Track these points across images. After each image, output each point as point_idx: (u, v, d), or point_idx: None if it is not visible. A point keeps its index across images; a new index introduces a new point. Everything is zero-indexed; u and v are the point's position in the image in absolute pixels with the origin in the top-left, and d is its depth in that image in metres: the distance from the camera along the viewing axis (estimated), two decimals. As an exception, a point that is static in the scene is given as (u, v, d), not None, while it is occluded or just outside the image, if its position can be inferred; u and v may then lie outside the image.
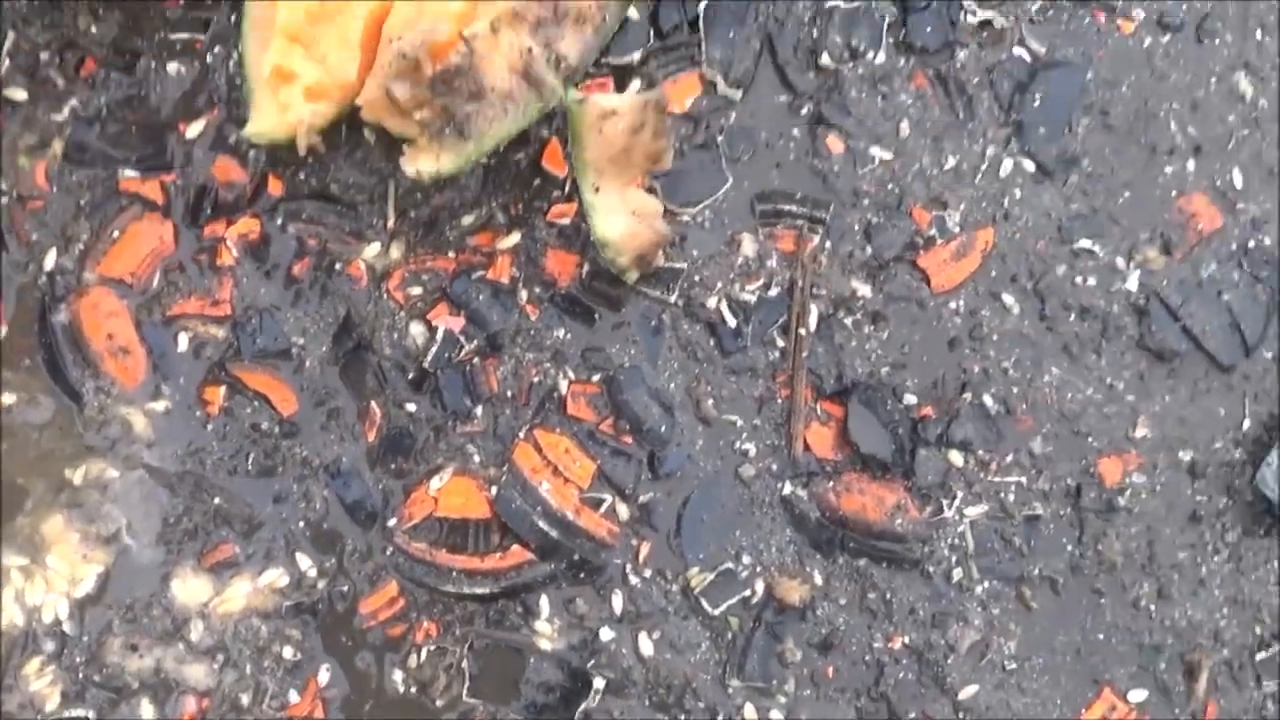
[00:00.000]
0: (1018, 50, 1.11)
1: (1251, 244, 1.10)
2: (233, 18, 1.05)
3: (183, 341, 1.01)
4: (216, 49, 1.05)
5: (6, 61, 1.03)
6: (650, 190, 1.03)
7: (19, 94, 1.02)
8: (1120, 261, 1.09)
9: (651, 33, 1.08)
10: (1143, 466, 1.06)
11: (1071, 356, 1.07)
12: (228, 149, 1.04)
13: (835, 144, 1.08)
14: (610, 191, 0.98)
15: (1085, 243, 1.08)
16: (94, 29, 1.04)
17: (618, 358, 1.03)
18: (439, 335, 1.02)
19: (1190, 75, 1.12)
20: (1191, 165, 1.11)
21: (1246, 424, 1.08)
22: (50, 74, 1.03)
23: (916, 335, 1.06)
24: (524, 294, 1.04)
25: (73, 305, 1.01)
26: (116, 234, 1.02)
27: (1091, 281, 1.08)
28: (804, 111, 1.08)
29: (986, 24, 1.11)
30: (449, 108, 0.94)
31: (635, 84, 1.07)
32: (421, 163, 0.95)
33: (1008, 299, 1.07)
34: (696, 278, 1.05)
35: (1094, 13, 1.12)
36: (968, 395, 1.05)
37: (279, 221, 1.03)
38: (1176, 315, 1.08)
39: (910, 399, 1.05)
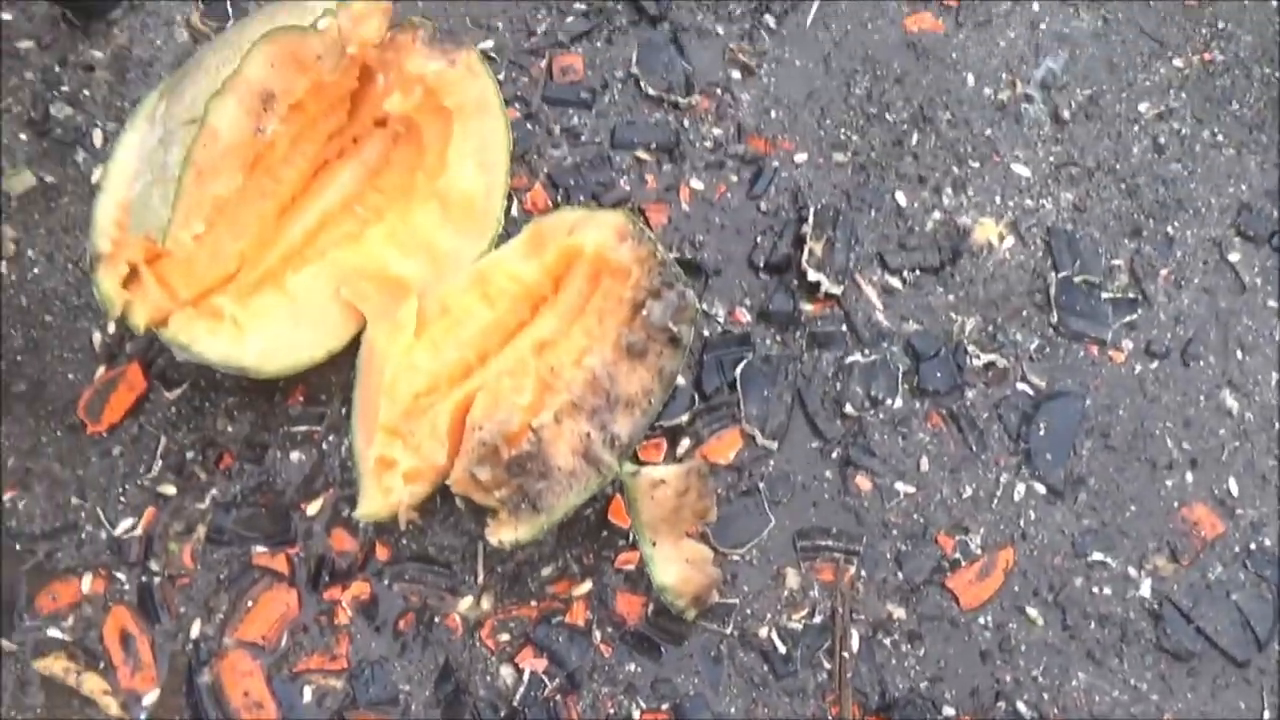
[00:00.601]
0: (1020, 386, 1.26)
1: (1253, 546, 1.21)
2: (344, 410, 1.24)
3: (307, 694, 1.17)
4: (331, 438, 1.24)
5: (159, 463, 1.23)
6: (702, 537, 1.18)
7: (170, 489, 1.22)
8: (1132, 570, 1.20)
9: (696, 396, 1.25)
10: (1172, 762, 1.15)
11: (1096, 661, 1.18)
12: (342, 522, 1.21)
13: (864, 482, 1.23)
14: (665, 544, 1.13)
15: (1098, 555, 1.20)
16: (230, 428, 1.24)
17: (683, 687, 1.16)
18: (526, 676, 1.16)
19: (1180, 396, 1.26)
20: (1190, 477, 1.23)
21: (1266, 715, 1.16)
22: (194, 469, 1.23)
23: (951, 650, 1.18)
24: (598, 634, 1.18)
25: (215, 668, 1.17)
26: (251, 603, 1.19)
27: (1108, 591, 1.20)
28: (834, 455, 1.24)
29: (990, 365, 1.27)
30: (523, 486, 1.11)
31: (685, 443, 1.23)
32: (503, 534, 1.11)
33: (1032, 612, 1.19)
34: (748, 610, 1.18)
35: (1087, 347, 1.27)
36: (1003, 704, 1.16)
37: (386, 583, 1.19)
38: (1189, 617, 1.18)
39: (949, 710, 1.16)
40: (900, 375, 1.26)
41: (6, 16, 1.39)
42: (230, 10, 1.41)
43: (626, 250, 1.14)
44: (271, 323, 1.18)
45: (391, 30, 1.21)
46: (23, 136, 1.34)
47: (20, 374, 1.24)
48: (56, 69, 1.37)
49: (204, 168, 1.11)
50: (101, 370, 1.25)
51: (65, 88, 1.36)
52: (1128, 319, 1.29)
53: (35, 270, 1.28)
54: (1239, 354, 1.27)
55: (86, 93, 1.36)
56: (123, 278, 1.13)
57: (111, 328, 1.27)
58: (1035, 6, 1.48)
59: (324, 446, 1.24)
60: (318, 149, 1.25)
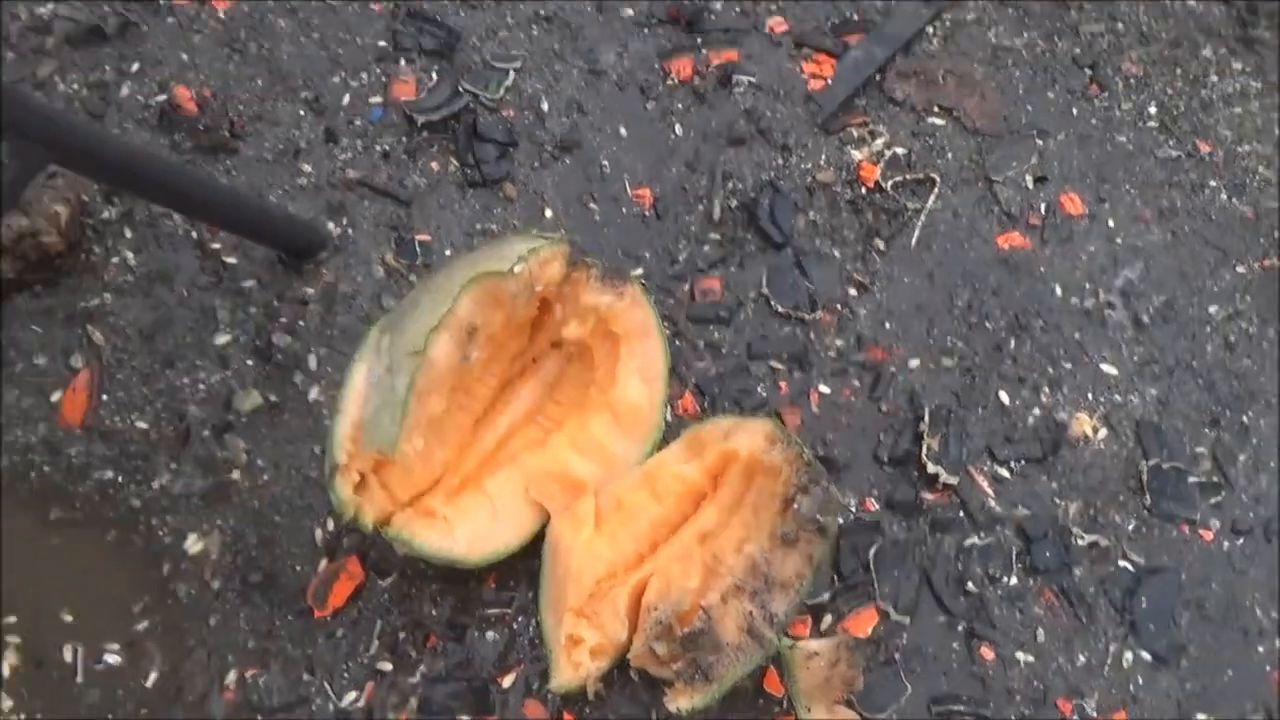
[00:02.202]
0: (1122, 563, 1.43)
1: (1342, 705, 1.36)
2: (530, 594, 1.44)
3: (508, 844, 1.34)
4: (520, 619, 1.43)
5: (376, 643, 1.42)
6: (849, 704, 1.35)
7: (386, 666, 1.41)
8: (1234, 731, 1.35)
9: (835, 577, 1.43)
10: None
11: (1206, 813, 1.32)
12: (533, 694, 1.39)
13: (987, 652, 1.39)
14: (819, 710, 1.30)
15: (1202, 717, 1.36)
16: (434, 612, 1.44)
17: (839, 835, 1.32)
18: (698, 828, 1.32)
19: (1265, 569, 1.42)
20: (1279, 644, 1.39)
21: None
22: (406, 648, 1.42)
23: (1074, 804, 1.33)
24: (761, 791, 1.35)
25: (427, 823, 1.35)
26: (458, 768, 1.37)
27: (1213, 748, 1.35)
28: (960, 628, 1.41)
29: (1094, 545, 1.44)
30: (696, 659, 1.28)
31: (827, 619, 1.41)
32: (680, 702, 1.29)
33: (1146, 768, 1.34)
34: (892, 771, 1.35)
35: (1179, 527, 1.45)
36: None
37: (572, 751, 1.37)
38: (1288, 772, 1.33)
39: None
40: (1014, 555, 1.43)
41: (232, 261, 1.65)
42: (417, 249, 1.66)
43: (777, 453, 1.34)
44: (474, 519, 1.39)
45: (568, 268, 1.44)
46: (249, 362, 1.57)
47: (256, 567, 1.46)
48: (275, 303, 1.61)
49: (423, 392, 1.33)
50: (324, 563, 1.46)
51: (283, 319, 1.60)
52: (1213, 500, 1.46)
53: (264, 477, 1.50)
54: (1317, 529, 1.44)
55: (301, 323, 1.60)
56: (354, 485, 1.34)
57: (330, 525, 1.48)
58: (1110, 223, 1.70)
59: (514, 626, 1.43)
60: (504, 369, 1.47)
